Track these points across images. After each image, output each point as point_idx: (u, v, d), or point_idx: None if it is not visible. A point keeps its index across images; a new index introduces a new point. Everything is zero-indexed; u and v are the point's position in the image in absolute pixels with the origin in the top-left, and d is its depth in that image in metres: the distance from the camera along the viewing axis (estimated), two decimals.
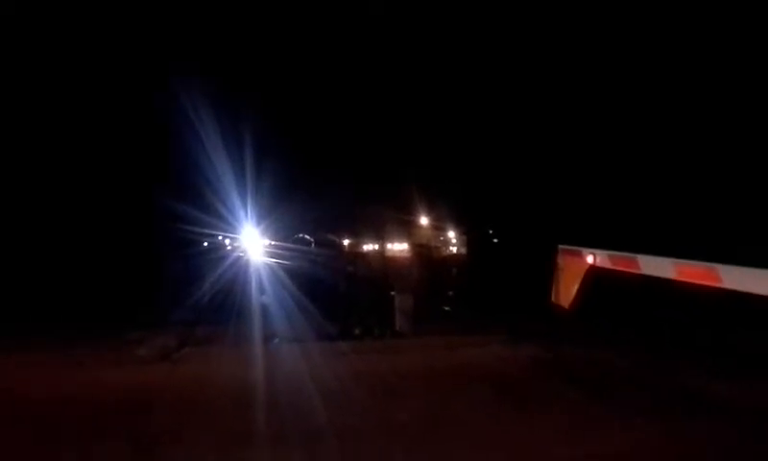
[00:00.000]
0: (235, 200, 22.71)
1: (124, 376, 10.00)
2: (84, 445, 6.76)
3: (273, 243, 26.23)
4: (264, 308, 16.44)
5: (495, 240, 34.60)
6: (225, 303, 16.35)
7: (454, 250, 45.51)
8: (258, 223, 23.84)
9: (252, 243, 22.82)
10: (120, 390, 9.08)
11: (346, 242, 43.47)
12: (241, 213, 23.07)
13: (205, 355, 11.74)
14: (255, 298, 17.03)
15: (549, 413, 7.81)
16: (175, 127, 22.63)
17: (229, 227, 23.71)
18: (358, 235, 45.92)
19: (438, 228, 45.92)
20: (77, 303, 16.37)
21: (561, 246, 9.07)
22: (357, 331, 13.89)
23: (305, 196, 27.53)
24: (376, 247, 50.61)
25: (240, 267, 21.13)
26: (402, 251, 46.96)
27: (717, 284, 6.49)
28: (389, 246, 49.10)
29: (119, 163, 25.26)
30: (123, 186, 25.56)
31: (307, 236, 30.89)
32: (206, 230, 24.93)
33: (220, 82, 24.40)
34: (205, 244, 30.09)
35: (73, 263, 20.95)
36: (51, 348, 12.18)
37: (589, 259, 8.32)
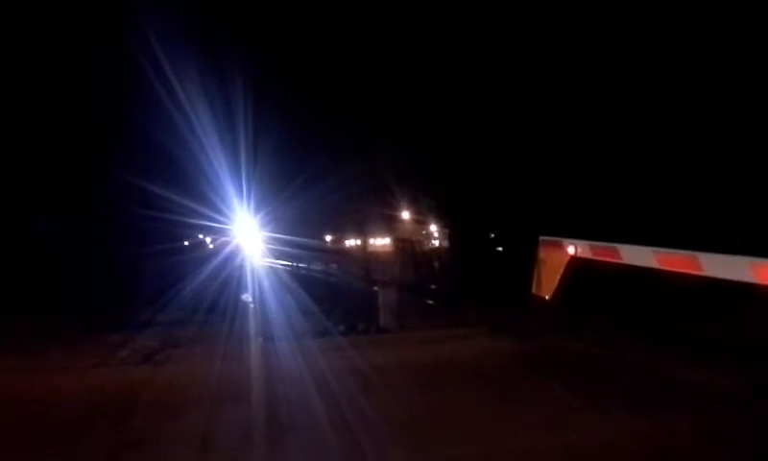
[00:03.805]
0: (226, 180, 18.73)
1: (104, 378, 9.89)
2: (56, 449, 6.67)
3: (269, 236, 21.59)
4: (246, 307, 16.33)
5: (480, 238, 34.62)
6: (208, 303, 16.16)
7: (436, 243, 45.66)
8: (257, 211, 18.67)
9: (249, 237, 18.06)
10: (99, 392, 8.97)
11: (328, 238, 43.46)
12: (233, 199, 18.40)
13: (187, 356, 11.63)
14: (240, 297, 16.81)
15: (531, 404, 7.84)
16: (145, 84, 18.91)
17: (220, 215, 19.23)
18: (340, 231, 45.93)
19: (419, 222, 46.05)
20: (51, 302, 16.18)
21: (542, 237, 9.06)
22: (341, 328, 13.84)
23: (290, 193, 25.80)
24: (359, 242, 50.69)
25: (233, 268, 18.28)
26: (385, 246, 47.04)
27: (699, 272, 6.50)
28: (371, 241, 49.18)
29: (72, 132, 22.06)
30: (82, 164, 22.30)
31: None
32: (190, 220, 21.63)
33: (201, 24, 22.15)
34: (186, 243, 28.72)
35: (40, 259, 19.82)
36: (29, 349, 12.06)
37: (570, 250, 8.31)
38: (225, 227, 19.96)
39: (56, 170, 22.84)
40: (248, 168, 19.35)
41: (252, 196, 18.31)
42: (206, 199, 19.82)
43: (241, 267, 17.20)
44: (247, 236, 17.41)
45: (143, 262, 19.62)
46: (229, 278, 18.02)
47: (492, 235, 33.02)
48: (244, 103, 20.92)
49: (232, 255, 19.51)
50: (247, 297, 16.64)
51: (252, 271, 15.69)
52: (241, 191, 18.50)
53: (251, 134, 20.69)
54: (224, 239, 23.75)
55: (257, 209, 18.23)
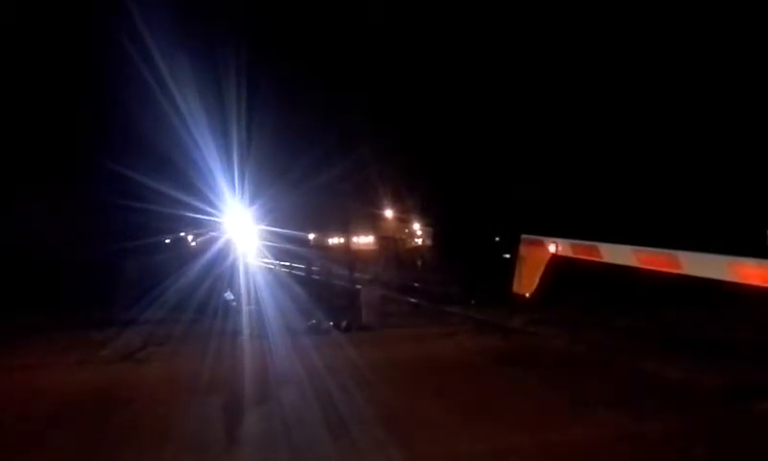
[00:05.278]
0: (215, 165, 16.90)
1: (85, 377, 9.81)
2: (38, 448, 6.63)
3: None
4: (229, 306, 16.28)
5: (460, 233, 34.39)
6: (192, 302, 15.98)
7: (419, 242, 45.69)
8: (251, 203, 16.94)
9: (241, 232, 16.52)
10: (80, 391, 8.91)
11: (311, 236, 43.28)
12: (223, 187, 16.75)
13: (170, 354, 11.58)
14: (224, 296, 16.60)
15: (513, 403, 7.86)
16: (127, 65, 17.25)
17: (208, 205, 17.58)
18: (323, 229, 45.76)
19: (403, 220, 46.06)
20: (31, 301, 16.01)
21: (523, 235, 9.14)
22: (324, 326, 13.85)
23: (281, 188, 24.63)
24: (342, 240, 50.57)
25: (223, 268, 17.07)
26: (368, 244, 47.00)
27: (678, 271, 6.60)
28: (354, 239, 49.08)
29: (48, 115, 20.30)
30: (59, 151, 20.55)
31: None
32: (173, 211, 19.72)
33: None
34: (167, 241, 27.76)
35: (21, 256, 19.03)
36: (13, 347, 11.97)
37: (551, 248, 8.40)
38: (212, 219, 18.48)
39: (36, 158, 21.53)
40: (240, 156, 17.78)
41: (246, 185, 16.93)
42: (192, 187, 18.32)
43: (233, 267, 16.56)
44: (239, 231, 16.37)
45: (124, 260, 18.85)
46: (218, 278, 17.60)
47: (498, 239, 32.13)
48: (237, 86, 19.33)
49: (221, 255, 18.39)
50: (229, 295, 16.58)
51: (247, 271, 15.10)
52: (232, 180, 16.97)
53: (243, 121, 19.27)
54: (211, 235, 22.25)
55: (251, 200, 16.93)
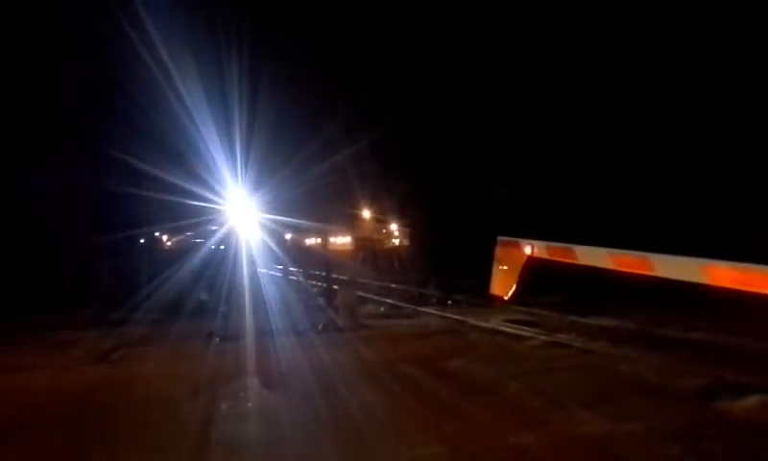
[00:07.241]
0: (214, 145, 16.08)
1: (57, 379, 9.68)
2: (7, 455, 6.52)
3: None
4: (203, 305, 16.18)
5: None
6: (169, 304, 15.75)
7: (396, 242, 45.75)
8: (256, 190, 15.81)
9: (245, 226, 15.41)
10: (52, 393, 8.80)
11: (287, 236, 43.07)
12: (223, 168, 15.74)
13: (144, 356, 11.47)
14: (200, 296, 16.43)
15: (490, 403, 7.87)
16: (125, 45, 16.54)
17: (204, 188, 16.43)
18: (300, 229, 45.58)
19: (380, 220, 46.08)
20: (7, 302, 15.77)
21: (499, 237, 9.18)
22: (300, 327, 13.80)
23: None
24: (319, 240, 50.54)
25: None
26: (345, 244, 47.02)
27: (650, 273, 6.68)
28: (332, 239, 49.09)
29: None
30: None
31: None
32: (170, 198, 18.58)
33: None
34: (142, 241, 27.15)
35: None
36: None
37: (527, 250, 8.45)
38: (210, 206, 17.32)
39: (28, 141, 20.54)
40: (242, 145, 16.94)
41: (248, 174, 16.01)
42: (192, 172, 17.39)
43: (233, 265, 16.10)
44: (244, 225, 15.37)
45: (98, 259, 18.28)
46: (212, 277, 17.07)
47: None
48: (239, 74, 18.85)
49: (216, 254, 17.78)
50: (204, 296, 16.46)
51: (249, 272, 14.65)
52: (234, 167, 15.99)
53: (245, 105, 18.59)
54: (188, 234, 21.71)
55: (254, 190, 15.87)
